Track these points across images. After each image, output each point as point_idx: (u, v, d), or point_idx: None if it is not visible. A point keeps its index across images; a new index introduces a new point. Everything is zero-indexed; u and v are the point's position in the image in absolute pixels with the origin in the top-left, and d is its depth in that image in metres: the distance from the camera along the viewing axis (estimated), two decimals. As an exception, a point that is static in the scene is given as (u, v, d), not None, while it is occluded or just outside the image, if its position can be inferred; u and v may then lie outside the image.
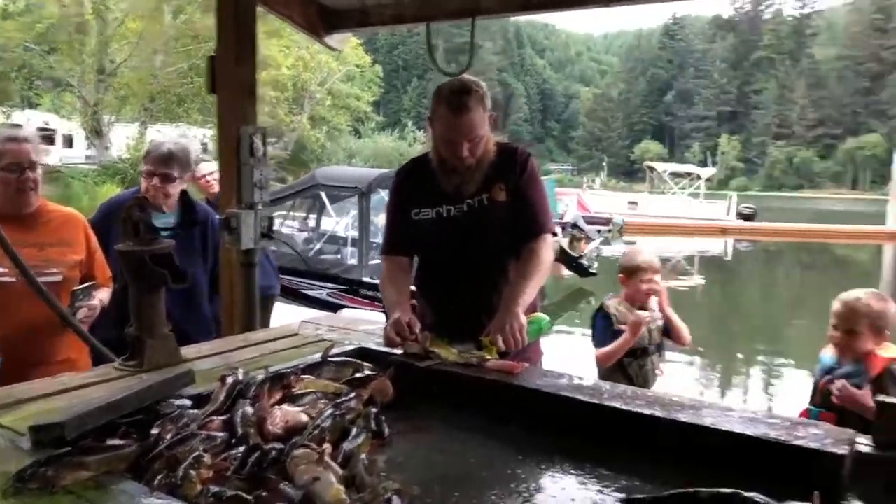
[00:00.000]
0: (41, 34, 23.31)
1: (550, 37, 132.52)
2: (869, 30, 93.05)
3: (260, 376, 1.76)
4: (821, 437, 1.36)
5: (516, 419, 1.72)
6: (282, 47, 28.27)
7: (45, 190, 2.52)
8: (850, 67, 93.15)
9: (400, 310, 2.19)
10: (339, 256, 9.30)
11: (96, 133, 25.90)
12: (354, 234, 9.14)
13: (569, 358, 4.79)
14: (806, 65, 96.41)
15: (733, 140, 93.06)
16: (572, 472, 1.47)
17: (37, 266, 2.30)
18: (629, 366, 3.37)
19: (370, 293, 8.32)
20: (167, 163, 2.92)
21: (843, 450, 1.31)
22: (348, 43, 34.17)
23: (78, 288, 2.46)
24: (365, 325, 2.56)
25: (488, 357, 1.99)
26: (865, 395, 2.53)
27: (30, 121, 25.54)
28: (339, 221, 9.91)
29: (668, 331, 3.48)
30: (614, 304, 3.44)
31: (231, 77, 2.68)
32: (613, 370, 3.37)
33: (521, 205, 2.34)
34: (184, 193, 3.05)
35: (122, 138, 26.08)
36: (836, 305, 2.73)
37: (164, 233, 2.39)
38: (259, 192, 2.58)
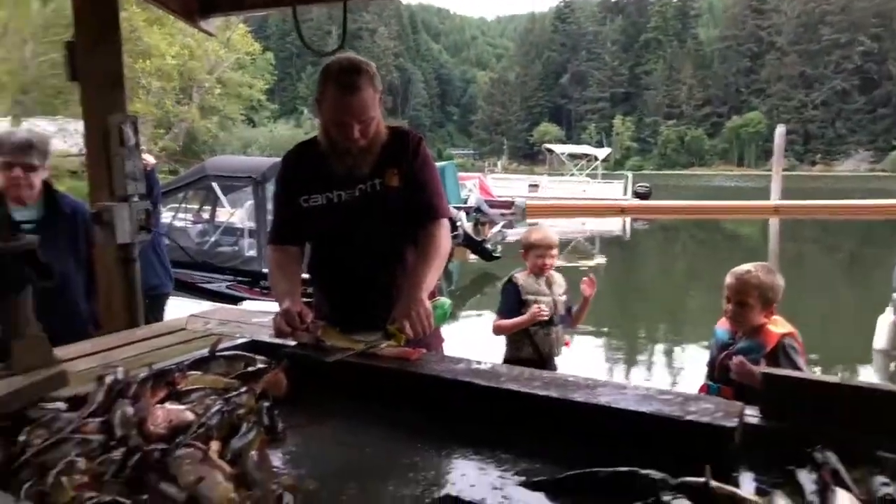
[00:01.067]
0: None
1: (445, 21, 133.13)
2: (747, 10, 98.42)
3: (143, 375, 1.66)
4: (711, 410, 1.39)
5: (415, 407, 1.69)
6: (165, 34, 27.00)
7: None
8: (731, 48, 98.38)
9: (290, 299, 2.11)
10: (236, 248, 9.02)
11: (-38, 128, 24.07)
12: (251, 224, 8.88)
13: (476, 342, 4.84)
14: (691, 45, 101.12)
15: (627, 121, 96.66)
16: (472, 457, 1.45)
17: None
18: (535, 334, 3.64)
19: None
20: (26, 151, 2.70)
21: (732, 422, 1.34)
22: (236, 30, 33.15)
23: None
24: (259, 317, 2.47)
25: (396, 345, 1.95)
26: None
27: None
28: (235, 212, 9.61)
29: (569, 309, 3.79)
30: (522, 277, 3.72)
31: (92, 64, 2.49)
32: (520, 337, 3.65)
33: (415, 190, 2.29)
34: (46, 185, 2.82)
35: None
36: (728, 279, 2.84)
37: (26, 226, 2.19)
38: (133, 183, 2.41)
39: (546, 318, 3.61)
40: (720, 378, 2.80)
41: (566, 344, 3.79)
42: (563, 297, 3.76)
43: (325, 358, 1.89)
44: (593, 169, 32.88)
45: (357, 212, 2.27)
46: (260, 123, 47.45)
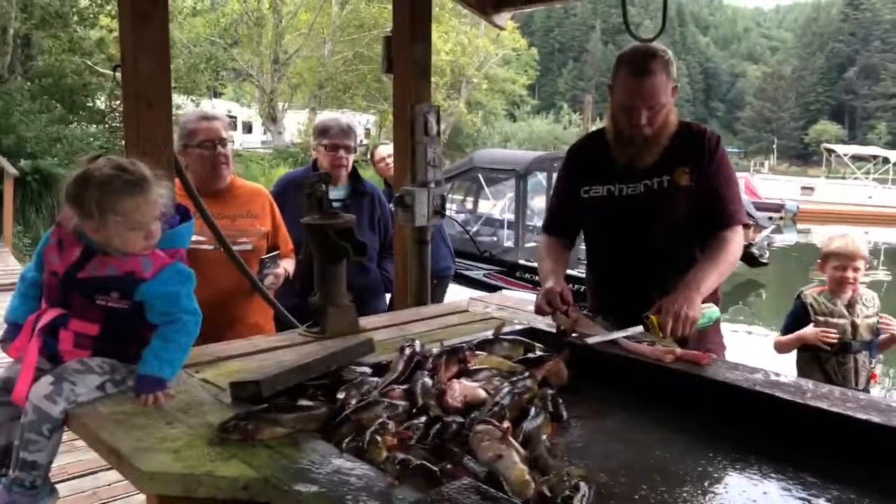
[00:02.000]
0: (224, 29, 25.16)
1: (715, 13, 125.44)
2: None
3: (436, 349, 1.77)
4: None
5: (703, 413, 1.61)
6: (441, 33, 28.71)
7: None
8: None
9: (553, 279, 2.12)
10: (495, 238, 9.34)
11: (271, 119, 27.67)
12: (510, 216, 9.14)
13: (733, 355, 4.50)
14: None
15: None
16: (772, 475, 1.35)
17: (230, 236, 2.46)
18: (826, 361, 3.15)
19: (526, 276, 8.30)
20: (349, 135, 3.08)
21: None
22: (506, 26, 34.24)
23: (266, 257, 2.60)
24: (531, 305, 2.51)
25: (653, 337, 1.88)
26: None
27: (214, 109, 27.72)
28: (496, 204, 9.95)
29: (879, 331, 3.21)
30: (814, 293, 3.24)
31: (406, 56, 2.69)
32: (809, 363, 3.19)
33: (709, 193, 2.15)
34: (353, 167, 3.19)
35: (294, 124, 27.74)
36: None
37: (336, 204, 2.47)
38: (432, 170, 2.59)
39: (833, 341, 3.09)
40: None
41: (873, 377, 3.20)
42: (871, 320, 3.16)
43: (587, 340, 1.90)
44: (883, 173, 29.02)
45: (639, 208, 2.18)
46: (520, 118, 48.56)
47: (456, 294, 5.07)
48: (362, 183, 3.22)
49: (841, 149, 33.29)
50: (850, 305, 3.15)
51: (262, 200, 2.72)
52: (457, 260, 8.83)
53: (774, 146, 61.28)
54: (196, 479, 1.20)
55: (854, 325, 3.12)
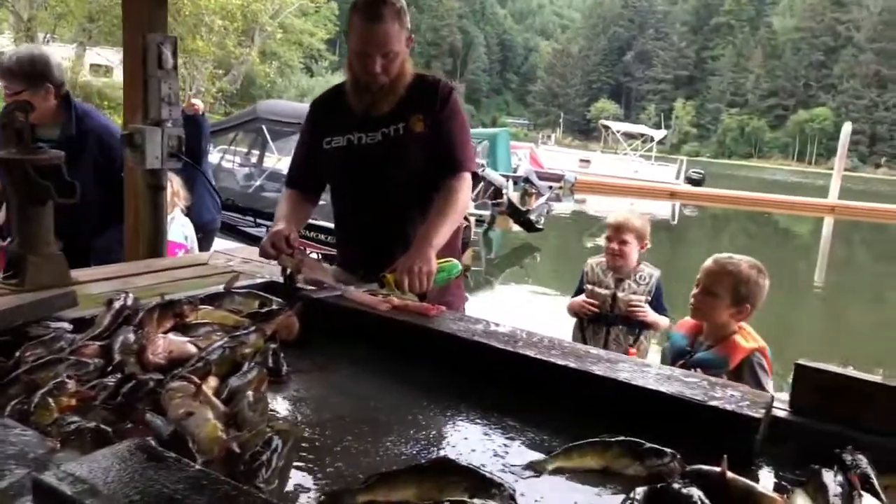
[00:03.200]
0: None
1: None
2: (826, 2, 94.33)
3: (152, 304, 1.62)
4: (737, 399, 1.30)
5: (427, 364, 1.62)
6: (232, -26, 27.01)
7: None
8: (805, 39, 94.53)
9: (283, 222, 2.09)
10: (280, 194, 9.04)
11: (29, 51, 24.54)
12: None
13: (503, 314, 4.76)
14: (764, 34, 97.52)
15: (688, 105, 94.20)
16: (478, 421, 1.38)
17: None
18: (586, 328, 3.29)
19: (311, 234, 8.13)
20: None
21: (758, 413, 1.24)
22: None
23: None
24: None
25: (388, 294, 1.88)
26: None
27: None
28: (282, 159, 9.62)
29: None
30: (592, 263, 3.33)
31: (136, -23, 2.43)
32: (576, 329, 3.33)
33: (440, 138, 2.19)
34: (67, 103, 2.74)
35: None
36: (706, 262, 2.50)
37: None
38: (168, 107, 2.36)
39: (589, 313, 3.19)
40: None
41: (628, 352, 3.08)
42: (636, 297, 3.15)
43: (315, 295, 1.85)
44: (648, 150, 32.22)
45: (377, 157, 2.20)
46: (318, 73, 47.44)
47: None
48: (83, 120, 2.73)
49: (615, 126, 36.41)
50: (621, 279, 3.19)
51: None
52: (240, 217, 8.48)
53: (561, 120, 65.68)
54: None
55: (614, 298, 3.17)
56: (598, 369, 1.44)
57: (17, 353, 1.32)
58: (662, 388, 1.34)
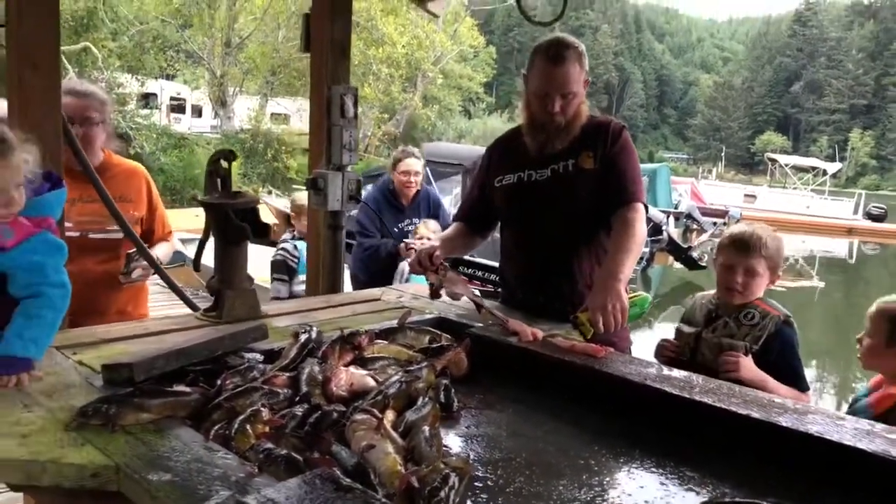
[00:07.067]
0: (176, 9, 24.50)
1: (671, 21, 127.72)
2: None
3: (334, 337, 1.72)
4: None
5: (597, 406, 1.60)
6: (398, 25, 28.48)
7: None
8: None
9: (433, 243, 2.24)
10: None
11: (221, 104, 27.08)
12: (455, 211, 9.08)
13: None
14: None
15: (866, 136, 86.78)
16: (653, 469, 1.34)
17: (98, 223, 2.35)
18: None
19: (469, 271, 8.26)
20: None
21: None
22: (463, 22, 34.18)
23: (132, 251, 2.44)
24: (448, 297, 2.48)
25: (581, 338, 1.87)
26: None
27: (163, 90, 27.04)
28: (443, 198, 9.89)
29: None
30: (699, 295, 2.44)
31: (323, 34, 2.60)
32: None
33: (610, 173, 2.18)
34: None
35: (244, 109, 27.19)
36: (873, 309, 2.12)
37: None
38: (348, 153, 2.53)
39: (665, 357, 2.27)
40: None
41: None
42: (730, 341, 2.13)
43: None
44: (820, 184, 29.97)
45: (546, 191, 2.22)
46: (475, 115, 48.58)
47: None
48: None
49: (783, 159, 34.24)
50: (716, 316, 2.23)
51: (137, 182, 2.58)
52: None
53: (722, 154, 62.76)
54: (40, 466, 1.12)
55: (698, 339, 2.21)
56: (784, 420, 1.35)
57: (219, 381, 1.44)
58: (861, 446, 1.23)
